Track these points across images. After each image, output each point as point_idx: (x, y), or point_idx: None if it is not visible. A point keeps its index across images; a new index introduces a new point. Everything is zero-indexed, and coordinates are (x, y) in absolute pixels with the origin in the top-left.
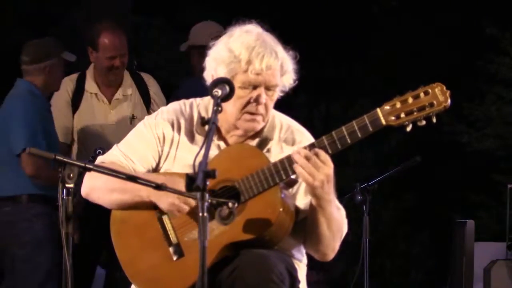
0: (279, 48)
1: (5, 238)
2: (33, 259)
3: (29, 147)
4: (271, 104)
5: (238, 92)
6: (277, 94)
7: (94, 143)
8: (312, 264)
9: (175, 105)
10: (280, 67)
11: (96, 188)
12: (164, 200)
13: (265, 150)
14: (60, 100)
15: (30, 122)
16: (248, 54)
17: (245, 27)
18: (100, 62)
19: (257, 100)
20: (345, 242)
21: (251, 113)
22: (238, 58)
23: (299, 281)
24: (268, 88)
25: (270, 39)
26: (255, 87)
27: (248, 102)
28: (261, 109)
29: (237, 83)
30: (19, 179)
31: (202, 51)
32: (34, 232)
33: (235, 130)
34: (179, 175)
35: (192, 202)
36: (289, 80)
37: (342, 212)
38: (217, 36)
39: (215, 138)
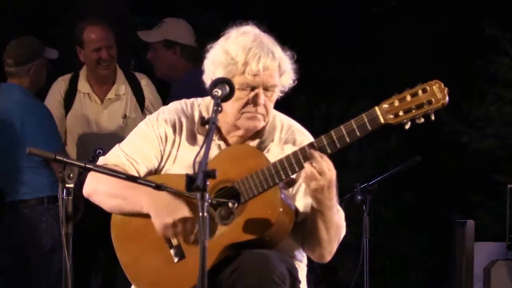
0: (276, 49)
1: (21, 239)
2: (48, 260)
3: (56, 152)
4: (270, 105)
5: (236, 93)
6: (276, 94)
7: (87, 143)
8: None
9: (176, 105)
10: (278, 67)
11: (99, 191)
12: (158, 220)
13: (265, 151)
14: (53, 100)
15: (51, 125)
16: (244, 56)
17: (242, 29)
18: (88, 58)
19: (255, 101)
20: (345, 242)
21: (251, 113)
22: (235, 60)
23: (299, 281)
24: (266, 88)
25: (267, 40)
26: (253, 88)
27: (247, 103)
28: (260, 109)
29: (235, 85)
30: (40, 182)
31: (185, 50)
32: (53, 233)
33: (235, 130)
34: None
35: (187, 229)
36: (288, 80)
37: (341, 214)
38: (196, 39)
39: (215, 138)
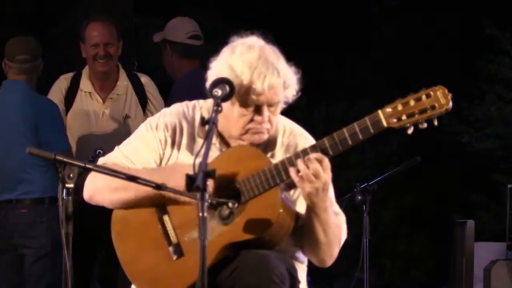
0: (281, 64)
1: (18, 239)
2: (48, 261)
3: (68, 148)
4: (274, 119)
5: (241, 110)
6: (280, 108)
7: (87, 142)
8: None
9: (178, 108)
10: (283, 83)
11: (99, 189)
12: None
13: (268, 155)
14: (54, 98)
15: (63, 122)
16: (250, 74)
17: (248, 42)
18: (87, 54)
19: (260, 118)
20: (345, 242)
21: (256, 129)
22: (240, 78)
23: (299, 282)
24: (270, 105)
25: (272, 55)
26: (257, 106)
27: (251, 120)
28: (264, 125)
29: (239, 102)
30: (43, 182)
31: (174, 47)
32: (54, 234)
33: (238, 141)
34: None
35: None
36: (292, 92)
37: (341, 217)
38: (193, 36)
39: (217, 142)
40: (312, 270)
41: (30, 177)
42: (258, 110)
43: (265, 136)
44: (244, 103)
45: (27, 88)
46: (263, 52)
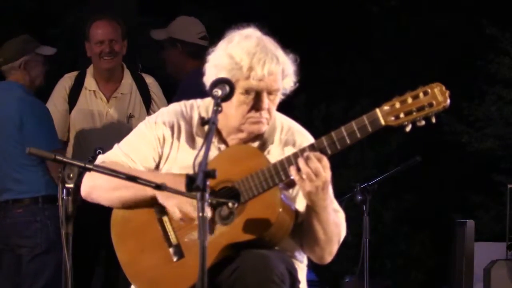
0: (279, 52)
1: (15, 239)
2: (43, 260)
3: (55, 148)
4: (273, 108)
5: (240, 98)
6: (278, 97)
7: (90, 140)
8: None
9: (175, 106)
10: (282, 71)
11: (97, 186)
12: (171, 200)
13: (266, 152)
14: (58, 96)
15: (50, 124)
16: (249, 61)
17: (245, 32)
18: (92, 52)
19: (259, 106)
20: (345, 242)
21: (255, 118)
22: (239, 65)
23: (299, 281)
24: (270, 92)
25: (270, 44)
26: (257, 92)
27: (251, 108)
28: (264, 114)
29: (239, 89)
30: (36, 181)
31: (185, 46)
32: (48, 233)
33: (237, 133)
34: (182, 176)
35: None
36: (290, 83)
37: (341, 215)
38: (203, 37)
39: (215, 141)
40: (314, 269)
41: (22, 177)
42: (257, 97)
43: (264, 127)
44: (244, 90)
45: (18, 89)
46: (261, 40)
